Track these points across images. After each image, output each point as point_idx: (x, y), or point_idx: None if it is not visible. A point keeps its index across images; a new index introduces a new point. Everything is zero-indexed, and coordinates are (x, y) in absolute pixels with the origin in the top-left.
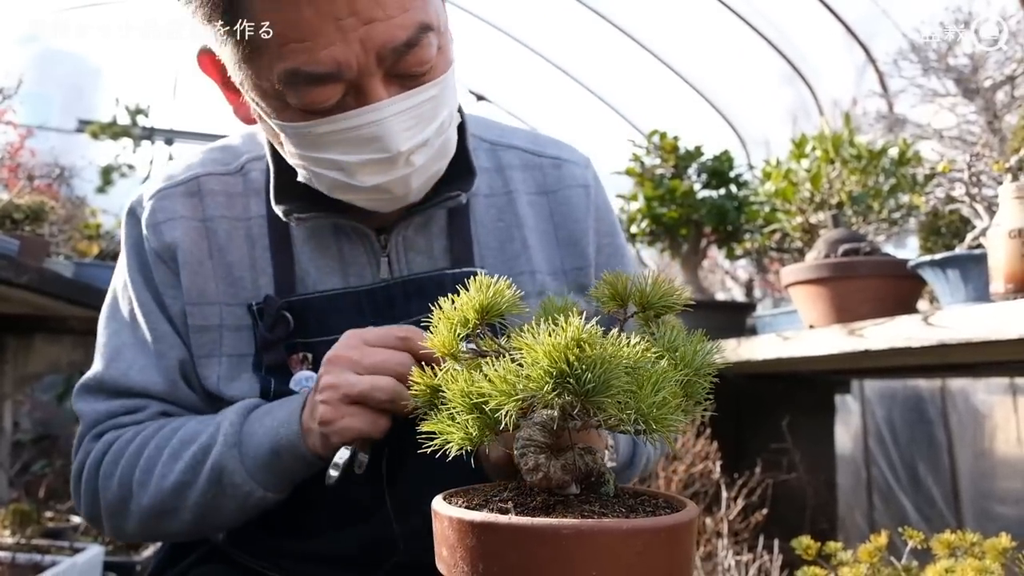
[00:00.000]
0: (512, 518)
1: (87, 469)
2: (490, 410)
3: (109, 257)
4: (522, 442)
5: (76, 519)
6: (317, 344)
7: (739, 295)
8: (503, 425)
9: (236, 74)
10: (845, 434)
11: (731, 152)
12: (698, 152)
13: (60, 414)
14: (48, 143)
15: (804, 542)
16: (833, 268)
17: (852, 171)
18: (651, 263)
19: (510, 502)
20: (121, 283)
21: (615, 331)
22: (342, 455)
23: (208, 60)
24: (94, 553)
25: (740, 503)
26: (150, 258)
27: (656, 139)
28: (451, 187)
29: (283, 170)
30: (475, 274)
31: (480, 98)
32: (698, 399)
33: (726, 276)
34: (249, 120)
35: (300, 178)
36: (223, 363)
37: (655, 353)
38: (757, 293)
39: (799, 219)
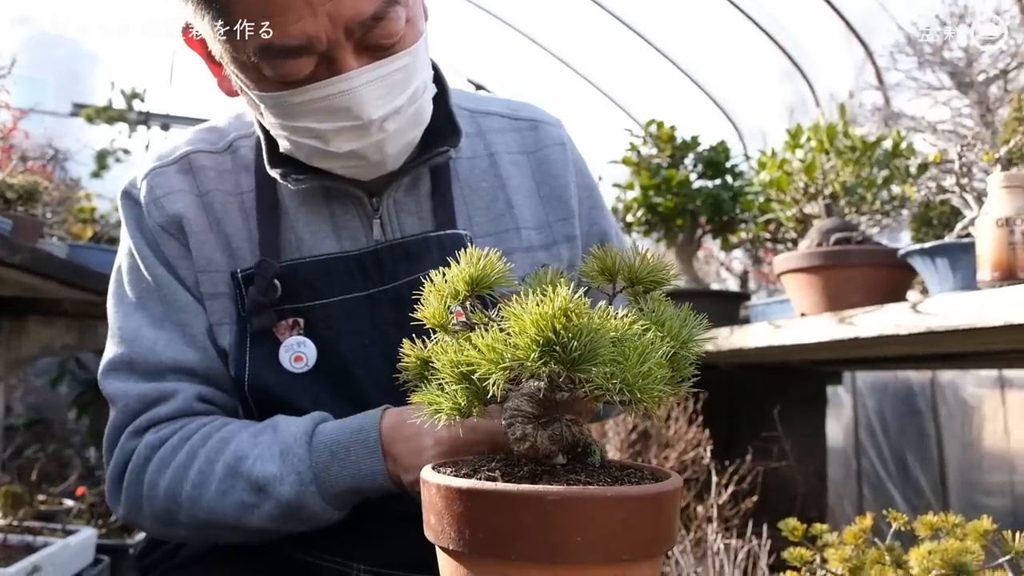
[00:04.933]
0: (499, 485)
1: (129, 472)
2: (478, 379)
3: (104, 240)
4: (510, 412)
5: (69, 502)
6: (307, 308)
7: (734, 286)
8: (491, 395)
9: (215, 48)
10: (836, 425)
11: (727, 143)
12: (695, 142)
13: (53, 399)
14: (42, 126)
15: (791, 524)
16: (825, 256)
17: (846, 162)
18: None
19: (498, 471)
20: (126, 266)
21: (603, 303)
22: None
23: (191, 36)
24: (87, 535)
25: (730, 490)
26: (156, 234)
27: (653, 129)
28: (438, 146)
29: (274, 138)
30: (458, 235)
31: (479, 87)
32: (684, 372)
33: (721, 267)
34: (232, 93)
35: (282, 148)
36: (233, 330)
37: (642, 326)
38: (752, 284)
39: (793, 209)
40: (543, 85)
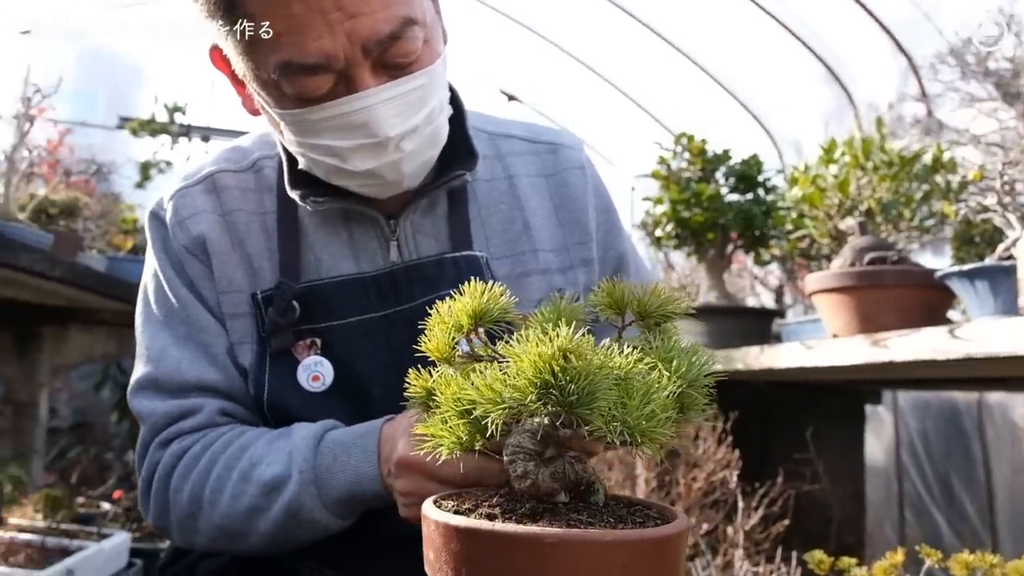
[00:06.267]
0: (496, 525)
1: (156, 480)
2: (478, 416)
3: (142, 251)
4: (511, 449)
5: (106, 505)
6: (325, 329)
7: (769, 300)
8: (491, 432)
9: (239, 66)
10: (876, 445)
11: (760, 156)
12: (726, 155)
13: (97, 402)
14: (90, 140)
15: (817, 556)
16: (858, 277)
17: (883, 178)
18: (678, 266)
19: (498, 508)
20: (152, 286)
21: (607, 341)
22: None
23: (218, 55)
24: (121, 539)
25: (760, 513)
26: (180, 255)
27: (684, 142)
28: (455, 169)
29: (295, 159)
30: (473, 257)
31: (511, 98)
32: (695, 410)
33: (755, 281)
34: (254, 112)
35: (301, 166)
36: (254, 350)
37: (648, 364)
38: (788, 299)
39: (827, 225)
40: (575, 96)
